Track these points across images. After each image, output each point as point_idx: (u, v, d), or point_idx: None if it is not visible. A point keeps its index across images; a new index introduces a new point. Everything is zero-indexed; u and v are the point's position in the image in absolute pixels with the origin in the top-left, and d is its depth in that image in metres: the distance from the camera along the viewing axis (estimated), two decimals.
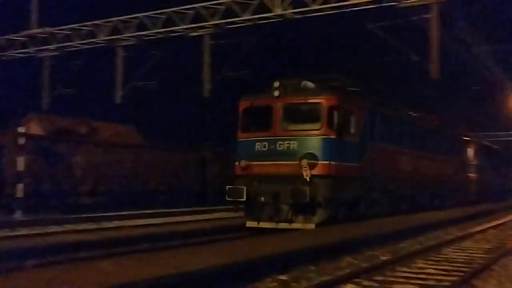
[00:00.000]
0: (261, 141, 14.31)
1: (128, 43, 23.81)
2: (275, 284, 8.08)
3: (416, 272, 9.39)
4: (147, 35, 23.22)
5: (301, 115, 14.42)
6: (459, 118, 34.27)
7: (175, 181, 28.08)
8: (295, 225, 13.71)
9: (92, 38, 24.05)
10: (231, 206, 23.41)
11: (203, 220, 19.36)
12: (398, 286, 8.10)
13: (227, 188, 14.50)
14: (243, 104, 15.24)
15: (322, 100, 14.03)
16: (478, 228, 16.63)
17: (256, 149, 14.34)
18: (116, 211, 20.72)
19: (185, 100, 35.39)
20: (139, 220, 18.59)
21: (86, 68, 27.51)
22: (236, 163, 14.67)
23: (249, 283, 7.86)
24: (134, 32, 23.26)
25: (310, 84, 14.73)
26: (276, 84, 14.40)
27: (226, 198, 14.63)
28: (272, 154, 14.05)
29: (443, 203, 23.77)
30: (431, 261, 10.60)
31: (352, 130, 15.00)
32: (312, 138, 13.96)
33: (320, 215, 13.77)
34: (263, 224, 14.05)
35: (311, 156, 13.58)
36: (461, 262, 10.45)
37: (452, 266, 10.02)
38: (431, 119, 24.60)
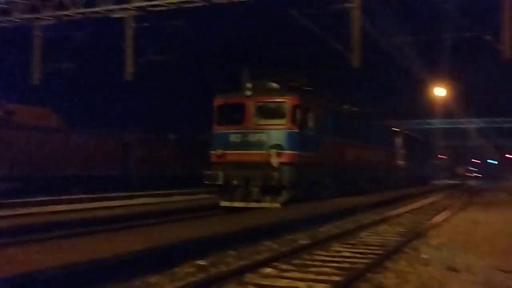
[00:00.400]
0: (235, 133, 16.58)
1: (47, 22, 22.87)
2: (193, 269, 8.06)
3: (332, 255, 9.65)
4: (67, 15, 22.40)
5: (269, 111, 16.65)
6: (387, 109, 36.50)
7: (95, 166, 27.40)
8: (263, 204, 15.87)
9: (7, 16, 22.91)
10: (154, 192, 23.31)
11: (123, 206, 18.99)
12: (314, 269, 8.29)
13: (205, 173, 16.63)
14: (218, 101, 17.33)
15: (286, 100, 16.46)
16: (394, 212, 17.27)
17: (231, 140, 16.54)
18: (32, 197, 20.00)
19: (108, 83, 34.50)
20: (56, 206, 18.02)
21: (1, 48, 26.27)
22: (212, 151, 16.81)
23: (166, 268, 7.80)
24: (53, 11, 22.36)
25: (275, 85, 17.28)
26: (249, 85, 16.61)
27: (204, 181, 16.74)
28: (244, 145, 16.28)
29: (379, 187, 26.59)
30: (348, 244, 10.92)
31: (310, 125, 17.47)
32: (279, 131, 16.25)
33: (285, 196, 16.10)
34: (235, 204, 16.08)
35: (278, 146, 15.89)
36: (376, 245, 10.81)
37: (367, 249, 10.36)
38: (368, 113, 27.72)
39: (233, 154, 16.37)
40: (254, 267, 8.10)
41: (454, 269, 8.19)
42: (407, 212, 18.22)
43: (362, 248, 10.45)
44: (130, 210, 16.99)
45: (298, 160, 16.35)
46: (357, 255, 9.68)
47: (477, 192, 34.77)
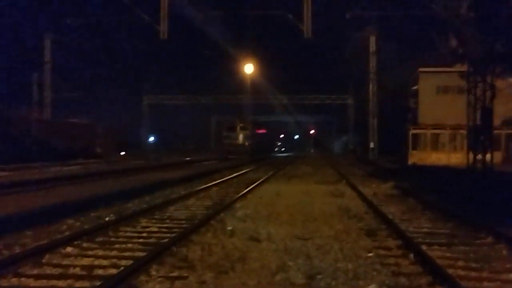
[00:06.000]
0: (233, 134, 51.05)
1: None
2: None
3: (139, 231, 9.58)
4: None
5: (243, 128, 51.59)
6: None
7: None
8: (242, 158, 44.35)
9: None
10: None
11: None
12: (119, 246, 8.17)
13: (223, 148, 51.25)
14: (226, 125, 54.12)
15: (250, 124, 53.71)
16: (203, 186, 17.63)
17: (231, 137, 51.03)
18: None
19: None
20: None
21: None
22: (225, 142, 51.74)
23: None
24: None
25: (242, 119, 54.60)
26: (238, 120, 53.19)
27: (221, 152, 50.22)
28: (235, 138, 50.71)
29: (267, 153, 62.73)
30: (155, 219, 10.92)
31: (253, 131, 53.79)
32: (244, 133, 51.13)
33: (248, 155, 47.48)
34: (232, 156, 45.88)
35: (247, 139, 50.97)
36: (183, 219, 10.98)
37: (174, 223, 10.48)
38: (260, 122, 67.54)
39: (230, 141, 50.53)
40: (53, 247, 7.73)
41: (256, 239, 8.63)
42: (216, 185, 18.72)
43: (170, 223, 10.55)
44: None
45: (251, 143, 50.80)
46: (164, 229, 9.73)
47: (282, 164, 36.93)
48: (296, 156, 64.59)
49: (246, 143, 50.20)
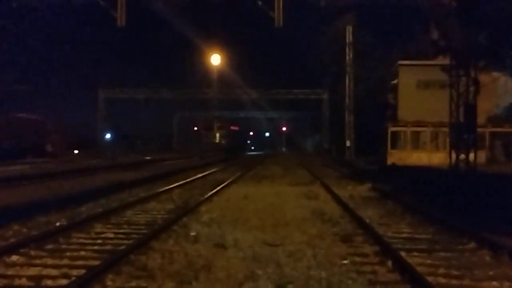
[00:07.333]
0: (210, 133, 60.88)
1: None
2: None
3: (93, 237, 9.51)
4: None
5: (220, 127, 62.02)
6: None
7: None
8: (218, 154, 52.93)
9: None
10: None
11: None
12: (70, 254, 8.07)
13: (204, 148, 56.33)
14: (202, 122, 64.28)
15: (223, 124, 64.06)
16: (165, 188, 17.55)
17: (210, 136, 60.55)
18: None
19: None
20: None
21: None
22: (205, 140, 59.92)
23: None
24: None
25: (218, 119, 63.97)
26: (214, 118, 63.02)
27: (203, 150, 55.03)
28: (213, 137, 60.76)
29: (238, 152, 66.99)
30: (111, 225, 10.84)
31: (228, 129, 64.77)
32: (221, 132, 61.92)
33: (224, 153, 54.15)
34: (208, 154, 51.87)
35: (222, 137, 61.60)
36: (142, 224, 10.94)
37: (132, 229, 10.42)
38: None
39: (210, 141, 59.41)
40: None
41: (222, 246, 8.61)
42: (179, 187, 18.66)
43: (127, 228, 10.48)
44: None
45: (225, 142, 60.84)
46: (121, 236, 9.67)
47: (251, 164, 36.97)
48: (267, 155, 64.77)
49: (223, 142, 60.43)
